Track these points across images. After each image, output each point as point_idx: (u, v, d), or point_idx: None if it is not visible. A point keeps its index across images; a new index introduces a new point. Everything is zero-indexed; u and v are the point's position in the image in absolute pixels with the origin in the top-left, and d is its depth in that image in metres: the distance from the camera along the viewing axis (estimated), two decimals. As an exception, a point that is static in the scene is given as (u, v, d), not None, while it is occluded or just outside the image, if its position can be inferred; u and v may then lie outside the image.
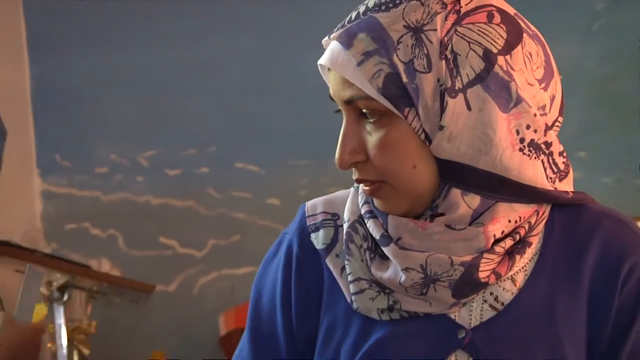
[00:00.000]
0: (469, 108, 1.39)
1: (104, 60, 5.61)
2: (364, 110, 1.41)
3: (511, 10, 1.46)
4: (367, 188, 1.47)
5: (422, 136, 1.40)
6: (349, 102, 1.42)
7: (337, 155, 1.44)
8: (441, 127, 1.38)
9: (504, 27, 1.41)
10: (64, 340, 4.54)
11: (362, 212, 1.52)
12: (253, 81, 5.61)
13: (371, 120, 1.41)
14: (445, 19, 1.40)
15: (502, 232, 1.44)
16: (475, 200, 1.43)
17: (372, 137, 1.41)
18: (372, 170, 1.45)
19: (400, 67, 1.37)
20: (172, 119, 5.62)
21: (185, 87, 5.58)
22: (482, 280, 1.42)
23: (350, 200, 1.58)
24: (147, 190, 5.58)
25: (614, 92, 5.48)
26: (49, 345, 4.61)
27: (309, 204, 1.67)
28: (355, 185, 1.57)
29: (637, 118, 5.19)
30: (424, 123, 1.38)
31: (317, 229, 1.60)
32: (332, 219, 1.61)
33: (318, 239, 1.59)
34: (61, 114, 5.58)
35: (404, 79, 1.37)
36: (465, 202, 1.43)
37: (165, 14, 5.68)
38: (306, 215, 1.64)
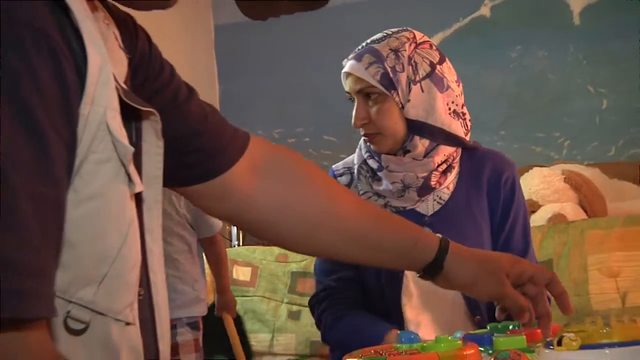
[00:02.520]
0: (422, 90, 2.46)
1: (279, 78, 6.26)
2: (368, 94, 2.46)
3: (434, 45, 2.58)
4: (369, 139, 2.52)
5: (400, 106, 2.44)
6: (359, 91, 2.47)
7: (353, 120, 2.50)
8: (409, 100, 2.45)
9: (437, 51, 2.55)
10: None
11: (365, 156, 2.59)
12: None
13: (373, 98, 2.46)
14: (410, 45, 2.50)
15: (441, 161, 2.50)
16: (426, 143, 2.48)
17: (373, 109, 2.46)
18: (372, 127, 2.47)
19: (389, 69, 2.43)
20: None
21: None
22: (433, 185, 2.49)
23: (357, 153, 2.66)
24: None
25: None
26: None
27: (333, 166, 2.76)
28: (360, 144, 2.67)
29: None
30: (401, 98, 2.44)
31: (341, 176, 2.68)
32: (349, 171, 2.70)
33: (341, 181, 2.64)
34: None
35: (391, 75, 2.43)
36: (421, 144, 2.47)
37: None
38: (334, 171, 2.72)
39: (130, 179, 1.13)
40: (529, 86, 5.98)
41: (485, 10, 6.10)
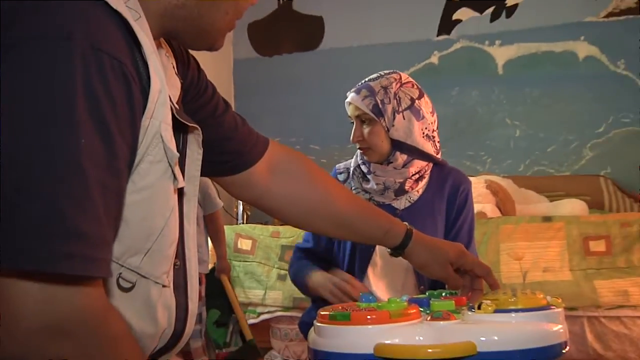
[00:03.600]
0: (403, 118, 2.47)
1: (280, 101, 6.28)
2: (363, 119, 2.48)
3: (416, 84, 2.59)
4: (362, 151, 2.53)
5: (386, 129, 2.46)
6: (357, 117, 2.50)
7: (351, 137, 2.52)
8: (393, 125, 2.46)
9: (418, 89, 2.56)
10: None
11: (359, 162, 2.60)
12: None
13: (366, 122, 2.48)
14: (396, 84, 2.52)
15: (415, 171, 2.51)
16: (405, 157, 2.49)
17: (366, 130, 2.48)
18: (365, 143, 2.48)
19: (379, 102, 2.46)
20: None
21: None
22: (406, 189, 2.52)
23: (354, 159, 2.65)
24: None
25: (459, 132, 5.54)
26: None
27: (337, 165, 2.77)
28: (357, 153, 2.62)
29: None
30: (387, 124, 2.46)
31: (340, 174, 2.70)
32: (347, 170, 2.69)
33: (339, 177, 2.69)
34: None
35: (380, 106, 2.46)
36: (401, 158, 2.49)
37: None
38: (336, 169, 2.74)
39: (174, 177, 1.13)
40: (463, 117, 5.97)
41: (434, 59, 6.10)
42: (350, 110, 2.55)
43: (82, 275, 0.92)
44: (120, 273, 1.08)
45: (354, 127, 2.54)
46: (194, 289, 1.27)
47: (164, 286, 1.16)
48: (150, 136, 1.06)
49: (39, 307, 0.90)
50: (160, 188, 1.11)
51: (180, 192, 1.19)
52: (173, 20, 1.21)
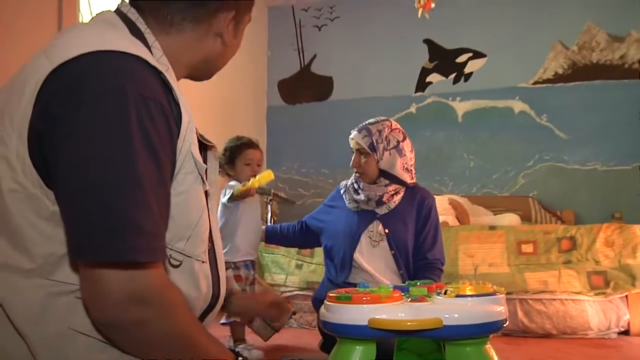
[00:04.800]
0: (390, 154, 2.51)
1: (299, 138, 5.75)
2: (361, 152, 2.54)
3: (402, 130, 2.63)
4: (358, 175, 2.59)
5: (376, 161, 2.52)
6: (357, 149, 2.56)
7: (351, 164, 2.58)
8: (382, 159, 2.52)
9: (402, 133, 2.59)
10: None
11: (353, 182, 2.63)
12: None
13: (363, 154, 2.54)
14: (387, 129, 2.54)
15: (392, 190, 2.54)
16: (386, 181, 2.54)
17: (362, 160, 2.54)
18: (361, 169, 2.55)
19: (373, 141, 2.51)
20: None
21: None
22: (384, 201, 2.54)
23: (350, 180, 2.68)
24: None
25: (429, 163, 5.46)
26: None
27: (340, 183, 2.80)
28: (353, 175, 2.63)
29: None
30: (377, 157, 2.52)
31: (342, 188, 2.75)
32: (345, 186, 2.71)
33: (341, 191, 2.74)
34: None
35: (374, 144, 2.51)
36: (384, 182, 2.54)
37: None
38: (340, 186, 2.78)
39: (203, 182, 1.14)
40: (433, 152, 5.94)
41: (412, 109, 6.05)
42: (352, 144, 2.61)
43: (149, 261, 0.96)
44: (171, 254, 1.08)
45: (354, 156, 2.60)
46: (222, 263, 1.27)
47: (202, 262, 1.16)
48: (184, 154, 1.07)
49: (122, 285, 0.94)
50: (193, 191, 1.11)
51: (206, 194, 1.18)
52: (195, 69, 1.24)
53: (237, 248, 2.77)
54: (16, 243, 0.98)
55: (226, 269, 2.48)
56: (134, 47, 1.03)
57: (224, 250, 2.64)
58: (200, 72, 1.26)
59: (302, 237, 2.89)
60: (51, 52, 0.99)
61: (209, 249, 1.20)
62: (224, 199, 2.82)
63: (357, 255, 2.55)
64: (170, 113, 1.03)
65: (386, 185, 2.56)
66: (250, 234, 2.86)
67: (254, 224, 2.91)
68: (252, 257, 2.86)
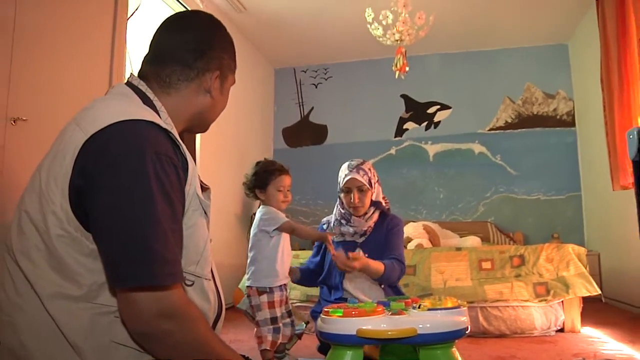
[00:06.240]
0: (378, 186, 2.44)
1: (301, 176, 5.72)
2: (361, 189, 2.38)
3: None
4: (354, 209, 2.40)
5: (370, 194, 2.39)
6: (357, 187, 2.38)
7: (353, 200, 2.38)
8: (373, 192, 2.40)
9: (375, 173, 2.46)
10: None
11: (339, 217, 2.48)
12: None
13: (363, 190, 2.39)
14: (369, 166, 2.44)
15: (372, 224, 2.42)
16: (372, 209, 2.43)
17: (361, 196, 2.39)
18: (360, 203, 2.37)
19: (370, 178, 2.40)
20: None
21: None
22: (366, 232, 2.42)
23: (334, 213, 2.53)
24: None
25: (405, 195, 5.42)
26: None
27: (323, 219, 2.64)
28: (337, 209, 2.52)
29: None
30: (372, 190, 2.40)
31: (324, 224, 2.57)
32: (328, 222, 2.56)
33: (324, 226, 2.56)
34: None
35: (370, 180, 2.40)
36: (371, 209, 2.43)
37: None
38: (322, 224, 2.59)
39: (207, 216, 1.16)
40: (409, 186, 5.93)
41: (392, 151, 6.05)
42: (350, 183, 2.42)
43: (172, 284, 0.98)
44: (185, 276, 1.10)
45: (353, 194, 2.42)
46: (218, 278, 1.27)
47: (209, 280, 1.17)
48: (191, 195, 1.10)
49: (152, 304, 0.96)
50: (200, 224, 1.13)
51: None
52: (192, 121, 1.26)
53: (276, 273, 2.41)
54: (65, 276, 1.00)
55: (260, 293, 2.31)
56: (147, 114, 1.06)
57: (261, 276, 2.38)
58: (196, 124, 1.28)
59: (317, 277, 2.63)
60: (83, 124, 1.03)
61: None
62: (268, 228, 2.46)
63: (347, 283, 2.43)
64: (179, 164, 1.06)
65: (369, 220, 2.46)
66: (287, 259, 2.52)
67: (289, 250, 2.56)
68: (287, 279, 2.49)
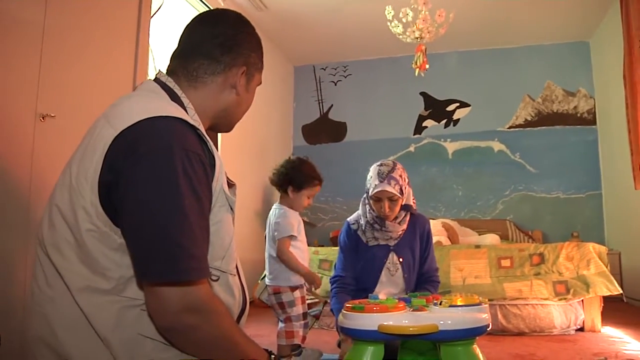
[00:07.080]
0: (409, 189, 2.33)
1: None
2: (393, 199, 2.24)
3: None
4: (387, 217, 2.29)
5: (401, 201, 2.28)
6: (387, 196, 2.23)
7: (385, 211, 2.25)
8: (404, 197, 2.28)
9: (405, 177, 2.31)
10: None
11: (372, 220, 2.34)
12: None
13: (394, 200, 2.24)
14: (402, 171, 2.30)
15: (404, 228, 2.34)
16: (403, 213, 2.33)
17: (392, 205, 2.26)
18: (392, 212, 2.26)
19: (401, 186, 2.26)
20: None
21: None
22: (399, 237, 2.33)
23: (364, 215, 2.38)
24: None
25: (425, 193, 5.39)
26: None
27: (348, 219, 2.46)
28: (367, 210, 2.37)
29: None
30: (403, 197, 2.27)
31: (352, 224, 2.40)
32: (357, 222, 2.41)
33: (352, 227, 2.40)
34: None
35: (403, 189, 2.27)
36: (402, 212, 2.33)
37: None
38: (350, 225, 2.42)
39: (232, 212, 1.15)
40: (429, 184, 5.91)
41: (411, 149, 6.04)
42: (380, 194, 2.27)
43: (198, 279, 0.98)
44: (211, 272, 1.09)
45: (383, 204, 2.29)
46: (242, 275, 1.26)
47: (234, 275, 1.17)
48: (217, 192, 1.08)
49: (178, 298, 0.96)
50: (226, 220, 1.12)
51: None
52: (218, 119, 1.25)
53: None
54: (94, 270, 1.01)
55: (293, 290, 2.44)
56: (175, 110, 1.06)
57: (289, 275, 2.44)
58: (221, 122, 1.27)
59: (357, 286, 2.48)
60: (113, 120, 1.03)
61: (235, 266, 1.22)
62: (274, 233, 2.47)
63: (378, 289, 2.36)
64: (206, 161, 1.05)
65: (402, 223, 2.36)
66: (306, 255, 2.54)
67: (306, 247, 2.59)
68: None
